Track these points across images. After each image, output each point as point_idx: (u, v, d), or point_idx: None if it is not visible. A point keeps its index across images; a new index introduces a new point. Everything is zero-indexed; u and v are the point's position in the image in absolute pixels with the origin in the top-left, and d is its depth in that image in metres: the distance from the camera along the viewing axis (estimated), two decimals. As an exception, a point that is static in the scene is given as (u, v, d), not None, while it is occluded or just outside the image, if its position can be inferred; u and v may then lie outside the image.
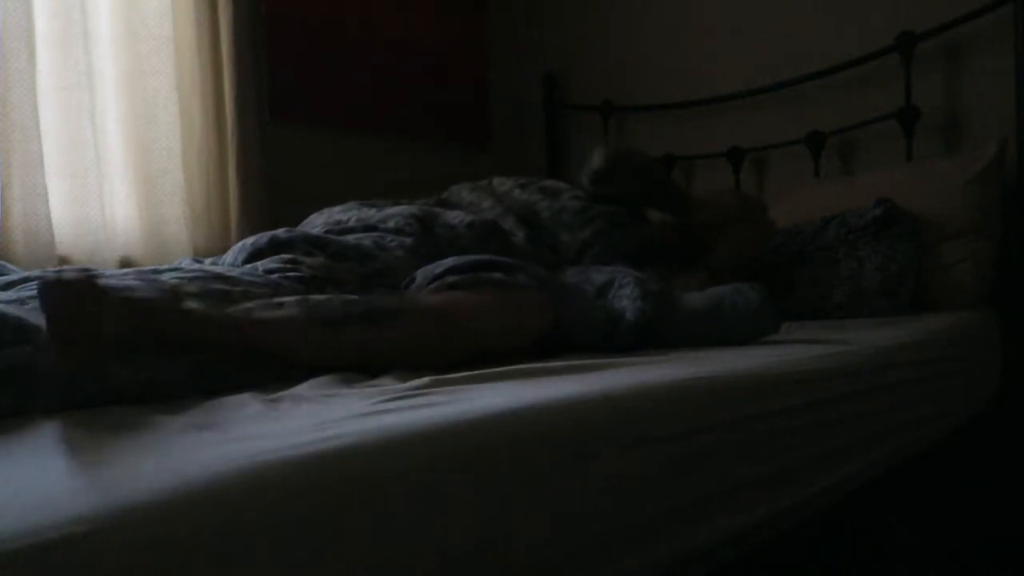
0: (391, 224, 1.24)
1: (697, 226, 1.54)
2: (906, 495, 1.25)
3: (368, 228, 1.25)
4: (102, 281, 0.69)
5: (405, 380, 0.76)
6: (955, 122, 1.88)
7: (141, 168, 1.91)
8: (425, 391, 0.69)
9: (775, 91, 2.18)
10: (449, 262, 1.02)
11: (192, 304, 0.75)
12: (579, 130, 2.77)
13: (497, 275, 0.96)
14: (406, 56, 2.58)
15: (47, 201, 1.69)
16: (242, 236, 1.83)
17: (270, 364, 0.77)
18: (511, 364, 0.85)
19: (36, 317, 0.69)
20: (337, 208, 1.41)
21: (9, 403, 0.62)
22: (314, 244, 1.10)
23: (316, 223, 1.35)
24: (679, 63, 2.48)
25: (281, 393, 0.70)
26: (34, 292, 0.83)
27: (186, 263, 1.10)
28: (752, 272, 1.53)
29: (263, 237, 1.14)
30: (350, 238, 1.17)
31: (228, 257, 1.18)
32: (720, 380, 0.83)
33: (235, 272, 0.99)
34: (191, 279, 0.92)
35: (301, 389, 0.71)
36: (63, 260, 1.76)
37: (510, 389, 0.70)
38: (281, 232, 1.14)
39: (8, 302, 0.79)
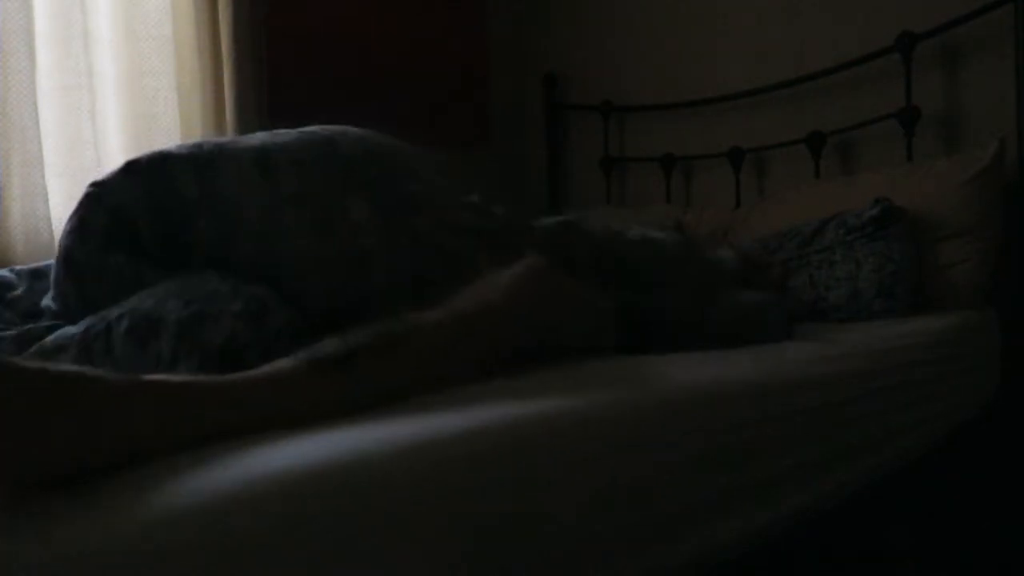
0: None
1: None
2: (906, 496, 1.25)
3: None
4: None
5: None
6: (955, 122, 1.87)
7: (141, 168, 1.91)
8: (428, 398, 0.69)
9: (775, 91, 2.18)
10: None
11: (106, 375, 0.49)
12: (579, 130, 2.77)
13: None
14: (406, 56, 2.58)
15: (47, 201, 1.69)
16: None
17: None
18: (514, 372, 0.85)
19: None
20: None
21: None
22: None
23: None
24: (679, 63, 2.48)
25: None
26: None
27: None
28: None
29: None
30: None
31: None
32: (717, 385, 0.83)
33: None
34: None
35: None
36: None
37: (513, 397, 0.70)
38: None
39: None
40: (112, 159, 1.88)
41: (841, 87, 2.06)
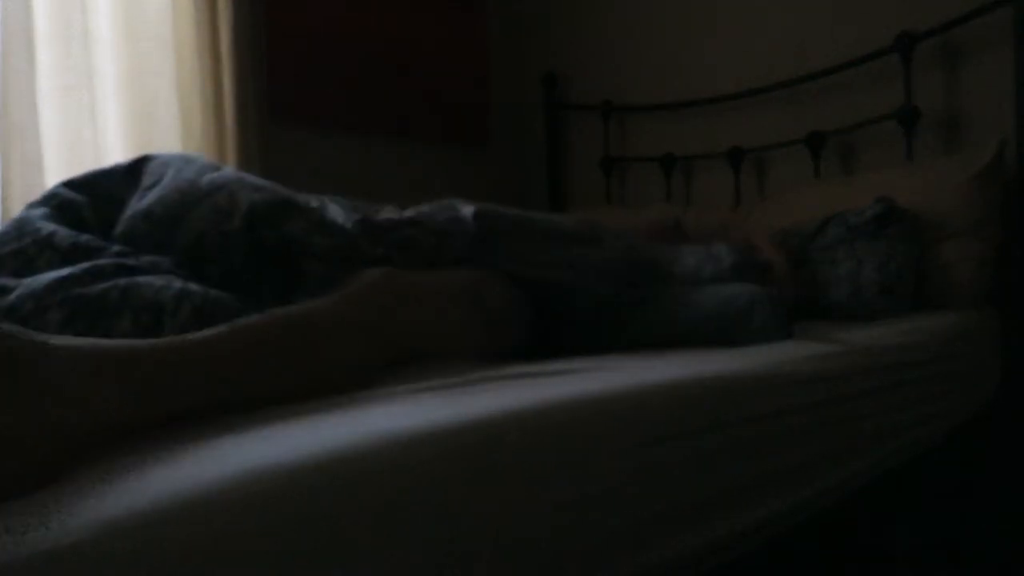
0: None
1: None
2: (906, 495, 1.25)
3: None
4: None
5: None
6: (955, 122, 1.87)
7: (141, 168, 1.91)
8: (419, 392, 0.69)
9: (775, 91, 2.18)
10: None
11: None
12: (579, 130, 2.77)
13: None
14: (406, 56, 2.58)
15: (47, 201, 1.69)
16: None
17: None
18: (509, 366, 0.85)
19: None
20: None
21: None
22: None
23: None
24: (679, 63, 2.48)
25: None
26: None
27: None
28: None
29: None
30: None
31: None
32: (717, 381, 0.83)
33: None
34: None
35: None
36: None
37: (511, 391, 0.70)
38: None
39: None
40: (112, 159, 1.88)
41: (841, 87, 2.06)
